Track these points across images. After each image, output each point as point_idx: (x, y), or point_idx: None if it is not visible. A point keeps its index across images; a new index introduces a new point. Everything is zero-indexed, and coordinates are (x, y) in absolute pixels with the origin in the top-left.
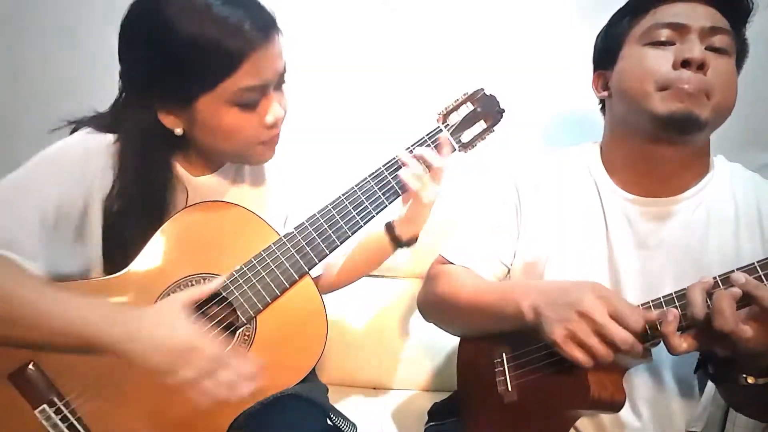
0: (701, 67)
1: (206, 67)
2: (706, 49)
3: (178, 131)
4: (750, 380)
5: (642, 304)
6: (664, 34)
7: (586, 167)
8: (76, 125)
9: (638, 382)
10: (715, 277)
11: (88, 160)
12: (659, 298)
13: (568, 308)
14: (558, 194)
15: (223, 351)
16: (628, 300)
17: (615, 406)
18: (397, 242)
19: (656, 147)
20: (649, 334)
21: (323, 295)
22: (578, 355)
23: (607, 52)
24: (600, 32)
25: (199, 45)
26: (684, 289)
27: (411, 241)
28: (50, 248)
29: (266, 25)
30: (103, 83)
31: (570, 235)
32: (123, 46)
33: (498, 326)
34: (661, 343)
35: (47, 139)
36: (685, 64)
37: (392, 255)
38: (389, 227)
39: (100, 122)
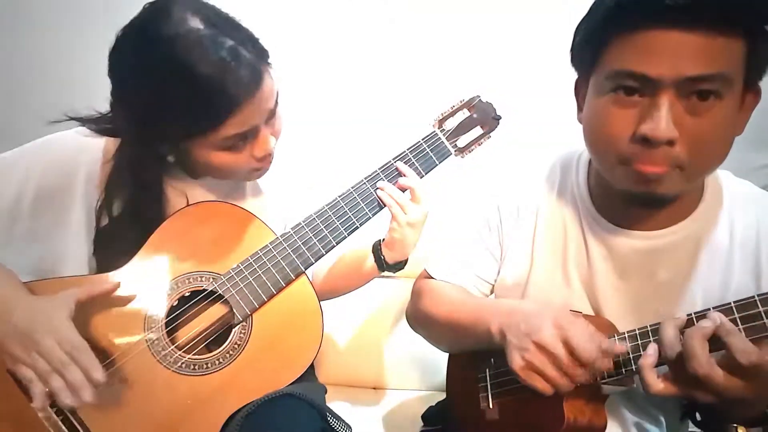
0: (671, 143)
1: (193, 119)
2: (689, 95)
3: (170, 159)
4: (741, 431)
5: (617, 335)
6: (630, 82)
7: (570, 190)
8: (76, 120)
9: (629, 406)
10: (690, 315)
11: (77, 157)
12: (634, 330)
13: (527, 338)
14: (539, 220)
15: (79, 353)
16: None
17: (594, 431)
18: (383, 265)
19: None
20: (623, 370)
21: None
22: (537, 384)
23: (581, 58)
24: (578, 27)
25: (186, 96)
26: (658, 323)
27: (397, 266)
28: (22, 227)
29: (258, 72)
30: (102, 83)
31: (551, 263)
32: (112, 81)
33: (472, 344)
34: None
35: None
36: (645, 140)
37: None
38: (376, 249)
39: (97, 124)
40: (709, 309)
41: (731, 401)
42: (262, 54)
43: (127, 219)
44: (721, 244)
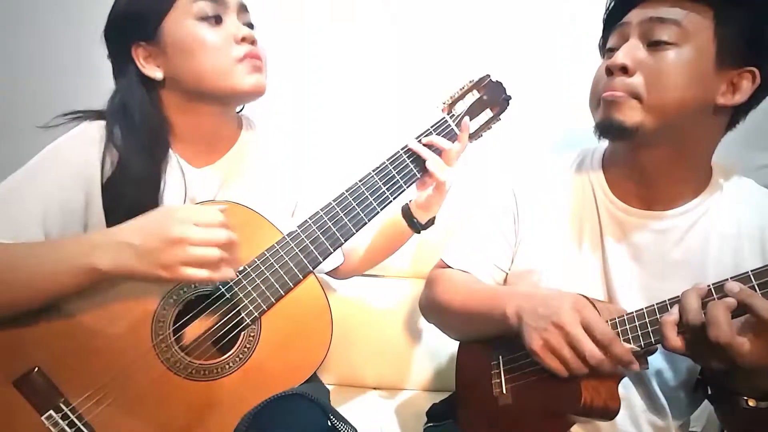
0: (625, 70)
1: None
2: (649, 44)
3: (159, 75)
4: (751, 403)
5: (636, 311)
6: (613, 40)
7: (586, 176)
8: (75, 117)
9: (639, 393)
10: (709, 285)
11: (88, 150)
12: (653, 305)
13: (546, 319)
14: (556, 204)
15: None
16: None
17: (608, 414)
18: (416, 227)
19: (632, 153)
20: (642, 343)
21: (328, 291)
22: (553, 364)
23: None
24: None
25: None
26: (678, 296)
27: (429, 224)
28: None
29: None
30: (100, 83)
31: (566, 246)
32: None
33: (487, 330)
34: (658, 354)
35: (45, 140)
36: (609, 72)
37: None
38: (406, 213)
39: (98, 115)
40: (727, 279)
41: (745, 372)
42: None
43: (129, 185)
44: (730, 227)
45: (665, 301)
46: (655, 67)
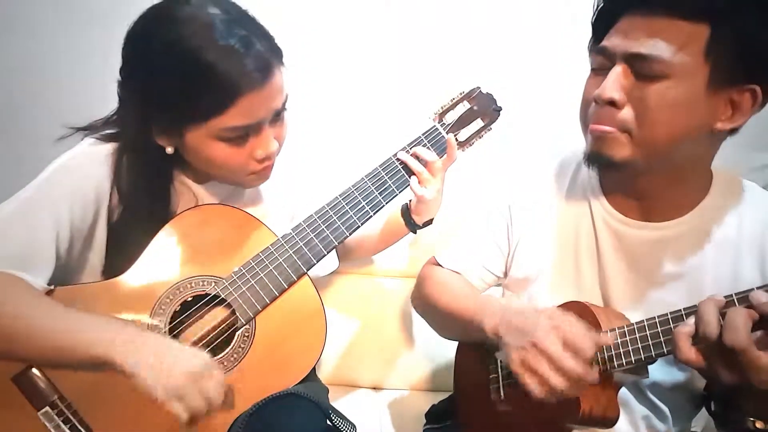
0: (613, 104)
1: (197, 101)
2: (636, 75)
3: (170, 150)
4: (759, 425)
5: (647, 319)
6: (597, 61)
7: (583, 185)
8: (81, 132)
9: (638, 399)
10: (731, 295)
11: (95, 172)
12: (666, 315)
13: (523, 337)
14: (551, 213)
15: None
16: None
17: (607, 423)
18: (412, 226)
19: (626, 179)
20: (642, 356)
21: (322, 292)
22: (530, 383)
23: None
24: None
25: (193, 76)
26: (695, 306)
27: (427, 224)
28: (61, 264)
29: (267, 64)
30: (102, 85)
31: (562, 255)
32: (124, 60)
33: (467, 336)
34: (658, 361)
35: (46, 139)
36: (596, 102)
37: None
38: (405, 213)
39: (103, 129)
40: (752, 289)
41: (755, 392)
42: (275, 51)
43: (133, 219)
44: (729, 237)
45: (680, 310)
46: (644, 100)
